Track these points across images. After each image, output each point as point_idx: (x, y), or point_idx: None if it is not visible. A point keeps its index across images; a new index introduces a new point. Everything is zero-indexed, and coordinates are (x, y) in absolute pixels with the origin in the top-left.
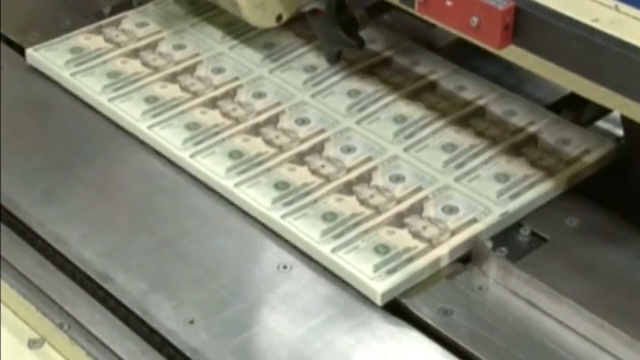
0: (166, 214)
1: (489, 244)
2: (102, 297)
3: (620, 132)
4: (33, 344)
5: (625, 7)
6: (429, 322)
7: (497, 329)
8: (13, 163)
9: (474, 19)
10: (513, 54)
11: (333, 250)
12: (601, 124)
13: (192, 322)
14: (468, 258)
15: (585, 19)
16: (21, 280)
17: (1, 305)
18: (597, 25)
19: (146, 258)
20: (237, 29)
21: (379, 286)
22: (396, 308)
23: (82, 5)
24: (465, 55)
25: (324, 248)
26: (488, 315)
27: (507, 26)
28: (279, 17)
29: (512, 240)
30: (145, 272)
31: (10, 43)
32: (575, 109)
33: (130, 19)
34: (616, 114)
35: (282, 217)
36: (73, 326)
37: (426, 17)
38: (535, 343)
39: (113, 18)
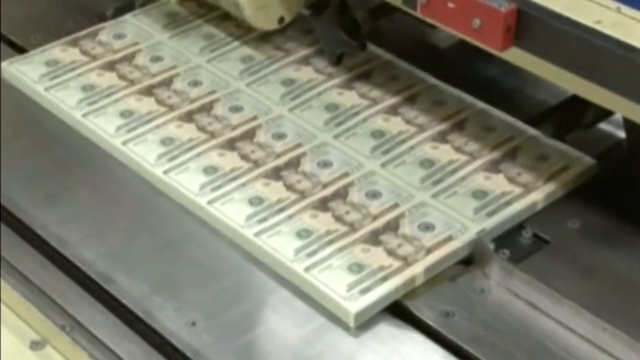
0: (168, 215)
1: (491, 246)
2: (104, 298)
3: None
4: (35, 346)
5: (627, 10)
6: (431, 324)
7: (499, 331)
8: (15, 164)
9: (476, 21)
10: (515, 56)
11: (307, 269)
12: (603, 125)
13: (194, 323)
14: (470, 260)
15: (587, 21)
16: (23, 282)
17: (3, 306)
18: (599, 27)
19: (148, 259)
20: (216, 42)
21: (352, 306)
22: (398, 310)
23: (84, 7)
24: (466, 57)
25: (297, 267)
26: (490, 317)
27: (509, 28)
28: (281, 19)
29: (514, 242)
30: (147, 274)
31: (13, 45)
32: (577, 112)
33: (107, 31)
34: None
35: (256, 234)
36: (75, 328)
37: (428, 19)
38: (537, 345)
39: (90, 29)
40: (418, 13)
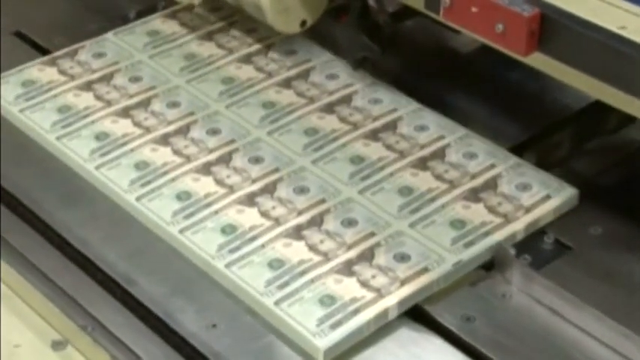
0: None
1: (513, 252)
2: (125, 299)
3: None
4: (56, 345)
5: None
6: (452, 328)
7: (520, 337)
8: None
9: (500, 26)
10: (538, 61)
11: (277, 303)
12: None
13: (214, 325)
14: (491, 265)
15: (611, 27)
16: (45, 282)
17: (25, 306)
18: (624, 33)
19: (169, 261)
20: (197, 62)
21: (321, 342)
22: (418, 314)
23: (107, 9)
24: (488, 62)
25: (266, 301)
26: (511, 322)
27: (533, 33)
28: (303, 23)
29: (535, 248)
30: (168, 275)
31: (37, 47)
32: (599, 117)
33: (86, 50)
34: None
35: (227, 265)
36: (96, 328)
37: (450, 23)
38: (558, 352)
39: (70, 48)
40: (440, 17)
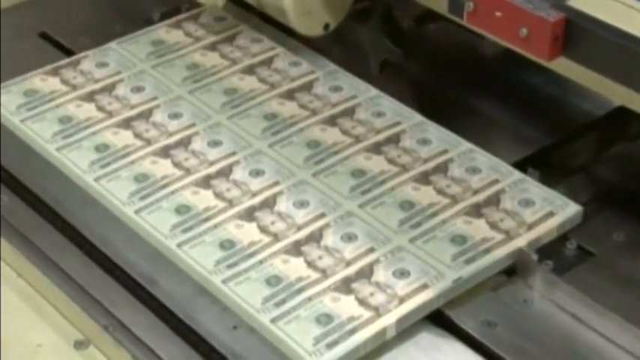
0: None
1: (535, 257)
2: (147, 300)
3: None
4: (78, 345)
5: None
6: (473, 333)
7: (542, 343)
8: None
9: (523, 30)
10: (562, 65)
11: (273, 320)
12: None
13: (235, 327)
14: (512, 270)
15: (637, 32)
16: (68, 282)
17: (48, 306)
18: None
19: None
20: (199, 72)
21: None
22: (439, 319)
23: (132, 11)
24: (511, 66)
25: (263, 318)
26: (533, 328)
27: (557, 38)
28: (326, 26)
29: (558, 253)
30: (190, 276)
31: (61, 48)
32: (622, 123)
33: (89, 60)
34: None
35: (224, 281)
36: (118, 328)
37: (474, 28)
38: (579, 358)
39: (72, 58)
40: (464, 21)
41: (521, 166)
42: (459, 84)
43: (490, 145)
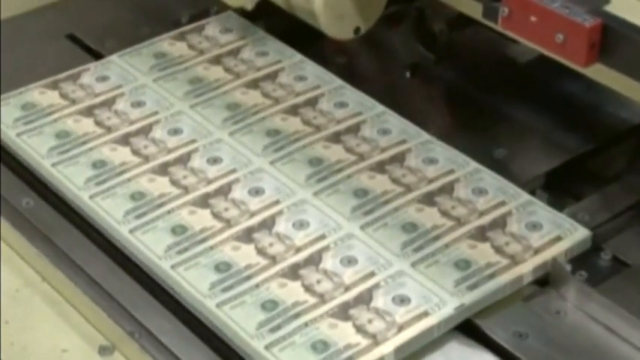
0: None
1: (569, 268)
2: (173, 307)
3: None
4: (103, 351)
5: None
6: (504, 344)
7: (575, 355)
8: None
9: (560, 36)
10: (599, 72)
11: (267, 347)
12: None
13: None
14: (545, 280)
15: None
16: (93, 287)
17: (74, 311)
18: None
19: None
20: (202, 86)
21: None
22: (469, 329)
23: (160, 13)
24: (546, 73)
25: (257, 344)
26: (566, 340)
27: (594, 44)
28: (357, 30)
29: (592, 264)
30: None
31: (89, 50)
32: None
33: (90, 73)
34: None
35: (218, 305)
36: (144, 335)
37: (508, 33)
38: None
39: (73, 71)
40: (499, 26)
41: (555, 174)
42: (491, 90)
43: (524, 152)
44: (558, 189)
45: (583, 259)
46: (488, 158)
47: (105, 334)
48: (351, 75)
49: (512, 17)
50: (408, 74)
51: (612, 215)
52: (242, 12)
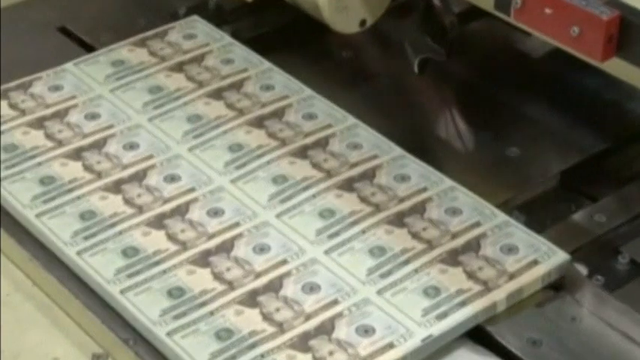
0: None
1: (584, 272)
2: None
3: None
4: (97, 359)
5: None
6: (516, 352)
7: None
8: None
9: (575, 29)
10: (617, 67)
11: None
12: None
13: None
14: (560, 285)
15: None
16: (87, 294)
17: (67, 318)
18: None
19: None
20: (162, 97)
21: None
22: (480, 336)
23: (157, 6)
24: (561, 67)
25: None
26: (581, 347)
27: (611, 37)
28: (362, 22)
29: (609, 268)
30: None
31: (82, 44)
32: None
33: (42, 82)
34: None
35: (169, 333)
36: (138, 341)
37: (521, 25)
38: None
39: (23, 80)
40: (511, 19)
41: (570, 174)
42: (503, 86)
43: (537, 151)
44: (573, 189)
45: (600, 263)
46: (500, 157)
47: (98, 341)
48: (356, 71)
49: (526, 9)
50: (416, 69)
51: (630, 217)
52: (208, 16)
